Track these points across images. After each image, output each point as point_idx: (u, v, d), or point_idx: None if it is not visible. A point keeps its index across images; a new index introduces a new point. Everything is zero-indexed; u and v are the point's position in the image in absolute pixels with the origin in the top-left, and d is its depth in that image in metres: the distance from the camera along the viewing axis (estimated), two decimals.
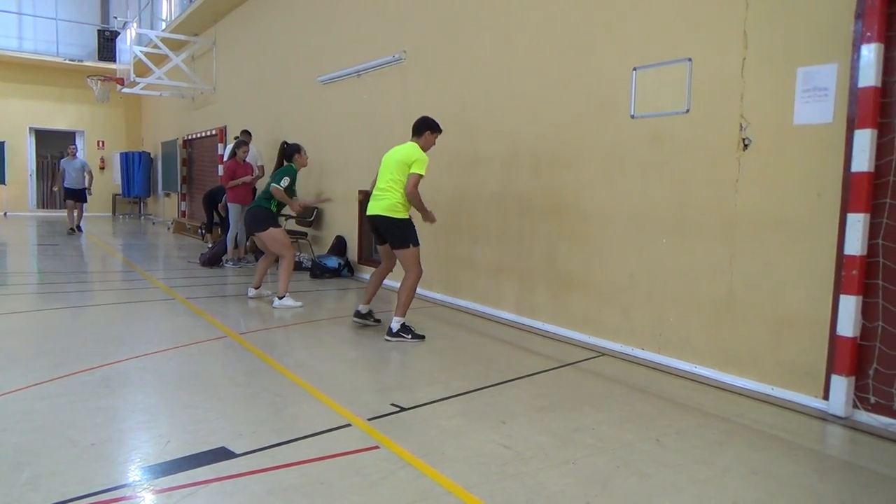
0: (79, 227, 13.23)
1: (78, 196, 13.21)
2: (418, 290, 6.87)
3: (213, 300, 6.46)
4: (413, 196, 4.82)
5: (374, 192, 5.01)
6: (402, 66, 7.27)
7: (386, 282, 5.45)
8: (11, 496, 2.33)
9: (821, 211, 3.60)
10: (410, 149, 4.91)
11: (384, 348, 4.74)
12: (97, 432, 2.96)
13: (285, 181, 6.10)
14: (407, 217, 4.90)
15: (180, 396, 3.52)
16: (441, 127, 5.12)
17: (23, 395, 3.43)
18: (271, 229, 6.18)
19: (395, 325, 4.89)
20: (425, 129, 5.02)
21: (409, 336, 4.89)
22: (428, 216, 5.01)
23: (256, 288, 6.54)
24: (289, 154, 6.29)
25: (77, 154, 13.69)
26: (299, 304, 6.12)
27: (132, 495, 2.38)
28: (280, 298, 6.09)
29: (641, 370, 4.32)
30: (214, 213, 11.08)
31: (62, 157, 13.21)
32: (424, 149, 4.96)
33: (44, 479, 2.47)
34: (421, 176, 4.80)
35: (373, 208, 4.95)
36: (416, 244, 4.93)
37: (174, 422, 3.16)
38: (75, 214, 13.21)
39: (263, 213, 6.21)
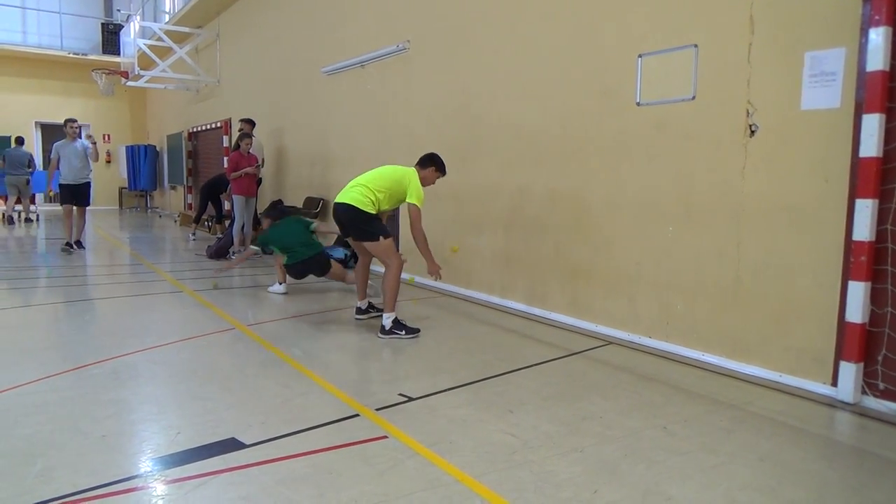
0: (79, 243, 9.43)
1: (80, 195, 9.18)
2: (425, 281, 6.90)
3: (221, 292, 6.48)
4: (420, 233, 4.60)
5: (350, 185, 4.80)
6: (406, 55, 7.24)
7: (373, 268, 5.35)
8: (24, 487, 2.36)
9: (829, 197, 3.57)
10: (410, 174, 4.71)
11: (389, 340, 4.75)
12: (108, 424, 2.99)
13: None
14: (374, 213, 4.68)
15: (189, 388, 3.54)
16: (446, 171, 4.97)
17: (34, 387, 3.46)
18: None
19: (387, 321, 4.68)
20: (431, 164, 4.86)
21: (403, 332, 4.66)
22: (433, 266, 4.72)
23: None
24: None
25: (81, 134, 9.45)
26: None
27: (143, 486, 2.41)
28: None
29: (648, 358, 4.31)
30: (210, 205, 11.16)
31: (56, 140, 9.18)
32: (423, 183, 4.80)
33: (56, 471, 2.49)
34: (420, 210, 4.59)
35: (341, 196, 4.73)
36: (387, 235, 4.71)
37: (184, 413, 3.18)
38: (74, 220, 9.31)
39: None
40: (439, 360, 4.23)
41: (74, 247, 9.28)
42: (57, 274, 7.43)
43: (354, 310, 5.31)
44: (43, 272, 7.61)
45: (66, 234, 9.30)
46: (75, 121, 9.24)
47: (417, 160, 4.95)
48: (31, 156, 13.32)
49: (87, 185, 9.28)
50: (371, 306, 5.30)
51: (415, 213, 4.60)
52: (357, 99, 8.33)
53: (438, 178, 4.96)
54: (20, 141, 13.72)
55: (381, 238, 4.66)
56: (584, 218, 5.11)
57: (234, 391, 3.50)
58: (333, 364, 4.09)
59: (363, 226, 4.68)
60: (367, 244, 4.75)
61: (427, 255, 4.73)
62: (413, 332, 4.73)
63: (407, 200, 4.64)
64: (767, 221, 3.87)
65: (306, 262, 6.23)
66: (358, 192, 4.69)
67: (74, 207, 9.20)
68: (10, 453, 2.65)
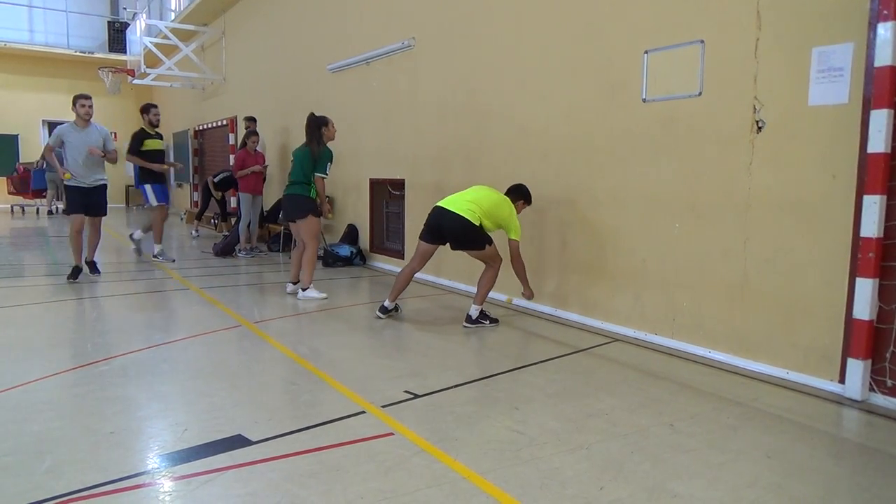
0: (92, 264, 7.04)
1: (93, 203, 6.72)
2: (430, 278, 6.91)
3: (228, 289, 6.50)
4: (520, 263, 4.92)
5: (458, 197, 4.99)
6: (412, 52, 7.24)
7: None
8: (33, 483, 2.37)
9: (836, 193, 3.55)
10: (509, 206, 4.95)
11: (397, 336, 4.76)
12: (115, 421, 3.00)
13: (329, 168, 5.86)
14: (479, 225, 4.88)
15: (197, 385, 3.55)
16: (532, 199, 5.19)
17: (42, 384, 3.49)
18: (311, 217, 5.89)
19: (475, 312, 4.99)
20: (521, 197, 5.12)
21: (488, 322, 5.02)
22: (528, 291, 5.06)
23: (294, 283, 6.18)
24: (317, 127, 5.86)
25: (91, 120, 6.70)
26: (324, 295, 5.94)
27: (151, 482, 2.42)
28: (304, 290, 5.91)
29: (655, 355, 4.31)
30: (213, 202, 11.20)
31: (61, 124, 6.66)
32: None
33: (65, 467, 2.51)
34: (519, 242, 4.92)
35: (452, 205, 4.90)
36: (492, 242, 4.99)
37: (191, 410, 3.20)
38: (86, 235, 6.86)
39: (304, 200, 5.88)
40: (445, 357, 4.24)
41: (85, 269, 6.90)
42: (64, 272, 7.45)
43: (380, 308, 5.21)
44: (51, 269, 7.65)
45: (76, 257, 6.73)
46: (88, 98, 6.62)
47: (507, 190, 5.10)
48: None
49: (103, 188, 6.82)
50: (396, 308, 5.30)
51: (515, 247, 4.92)
52: (363, 96, 8.32)
53: (525, 208, 5.20)
54: None
55: (486, 246, 4.95)
56: (591, 214, 5.10)
57: (240, 388, 3.52)
58: (340, 361, 4.10)
59: (473, 236, 4.90)
60: (474, 252, 5.00)
61: (524, 282, 5.04)
62: (495, 321, 5.07)
63: (510, 236, 4.92)
64: (774, 218, 3.86)
65: (288, 198, 6.02)
66: (468, 206, 4.89)
67: (87, 218, 6.77)
68: (19, 450, 2.66)
